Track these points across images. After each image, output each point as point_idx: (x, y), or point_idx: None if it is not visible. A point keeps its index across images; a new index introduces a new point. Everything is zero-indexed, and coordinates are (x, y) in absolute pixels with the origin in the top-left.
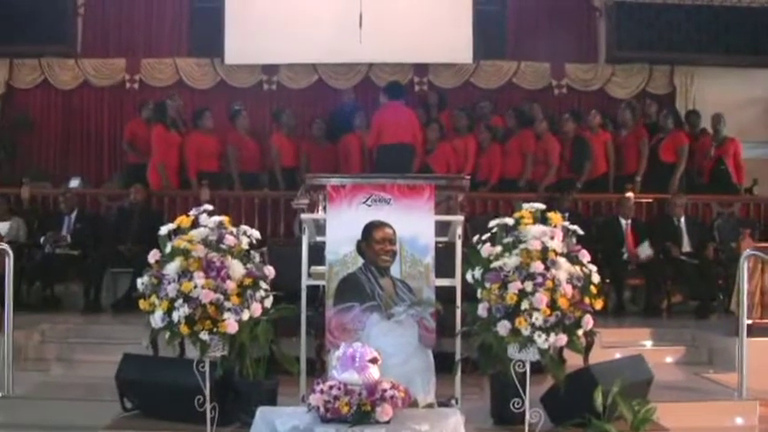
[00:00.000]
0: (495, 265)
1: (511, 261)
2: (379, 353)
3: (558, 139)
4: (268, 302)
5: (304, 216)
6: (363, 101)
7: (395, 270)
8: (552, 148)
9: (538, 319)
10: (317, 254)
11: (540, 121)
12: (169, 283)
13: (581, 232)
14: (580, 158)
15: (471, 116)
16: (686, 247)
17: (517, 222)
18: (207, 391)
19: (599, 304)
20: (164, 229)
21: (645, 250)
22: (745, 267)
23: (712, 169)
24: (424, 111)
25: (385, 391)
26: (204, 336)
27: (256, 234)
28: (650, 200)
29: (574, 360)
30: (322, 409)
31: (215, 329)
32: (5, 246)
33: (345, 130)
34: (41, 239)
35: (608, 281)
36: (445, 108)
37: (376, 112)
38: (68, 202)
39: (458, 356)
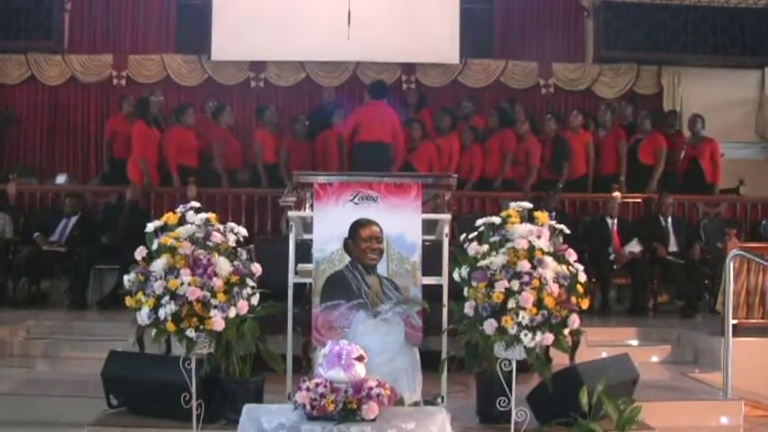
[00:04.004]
0: (481, 263)
1: (497, 260)
2: (366, 351)
3: (540, 140)
4: (255, 300)
5: (291, 214)
6: (350, 99)
7: (381, 268)
8: (534, 149)
9: (524, 317)
10: (304, 251)
11: (523, 122)
12: (156, 280)
13: (568, 231)
14: (559, 159)
15: (454, 116)
16: (673, 247)
17: (504, 221)
18: (193, 389)
19: (585, 303)
20: (150, 226)
21: (633, 246)
22: (730, 267)
23: (687, 169)
24: (405, 109)
25: (371, 389)
26: (191, 333)
27: (243, 231)
28: (638, 200)
29: (560, 359)
30: (308, 407)
31: (201, 327)
32: None
33: (324, 127)
34: (35, 236)
35: (594, 280)
36: (425, 107)
37: (358, 108)
38: (73, 207)
39: (444, 355)
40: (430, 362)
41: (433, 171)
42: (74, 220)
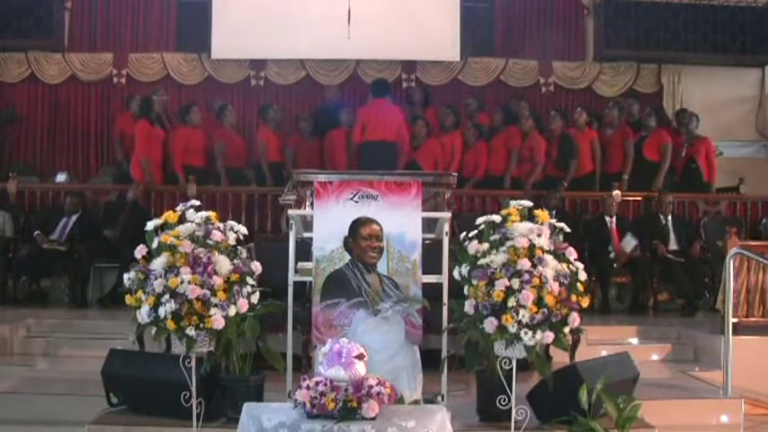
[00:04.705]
0: (482, 262)
1: (498, 258)
2: (366, 349)
3: (545, 137)
4: (255, 298)
5: (291, 212)
6: (351, 97)
7: (382, 267)
8: (538, 146)
9: (524, 316)
10: (305, 250)
11: (527, 118)
12: (156, 278)
13: (568, 230)
14: (566, 157)
15: (457, 113)
16: (673, 246)
17: (504, 219)
18: (193, 387)
19: (585, 302)
20: (150, 225)
21: (629, 242)
22: (730, 266)
23: (684, 168)
24: (410, 107)
25: (371, 387)
26: (191, 331)
27: (243, 230)
28: (639, 198)
29: (560, 357)
30: (308, 405)
31: (201, 325)
32: None
33: (331, 126)
34: (35, 234)
35: (594, 278)
36: (430, 105)
37: (361, 108)
38: (74, 206)
39: (444, 353)
40: (430, 360)
41: (438, 169)
42: (74, 218)
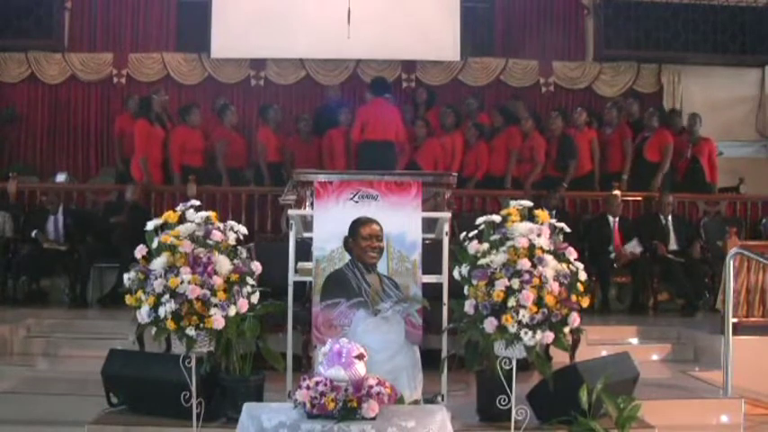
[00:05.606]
0: (482, 262)
1: (498, 258)
2: (366, 349)
3: (545, 137)
4: (255, 298)
5: (291, 212)
6: (351, 97)
7: (382, 267)
8: (538, 146)
9: (524, 316)
10: (305, 250)
11: (526, 119)
12: (156, 278)
13: (568, 230)
14: (565, 157)
15: (458, 113)
16: (673, 246)
17: (504, 219)
18: (193, 387)
19: (585, 302)
20: (150, 225)
21: (633, 247)
22: (731, 266)
23: (687, 168)
24: (413, 108)
25: (371, 387)
26: (191, 331)
27: (243, 230)
28: (638, 198)
29: (560, 357)
30: (308, 405)
31: (201, 325)
32: None
33: (330, 126)
34: (33, 233)
35: (594, 278)
36: (434, 105)
37: (360, 107)
38: (53, 204)
39: (444, 353)
40: (430, 360)
41: (438, 169)
42: (60, 215)
